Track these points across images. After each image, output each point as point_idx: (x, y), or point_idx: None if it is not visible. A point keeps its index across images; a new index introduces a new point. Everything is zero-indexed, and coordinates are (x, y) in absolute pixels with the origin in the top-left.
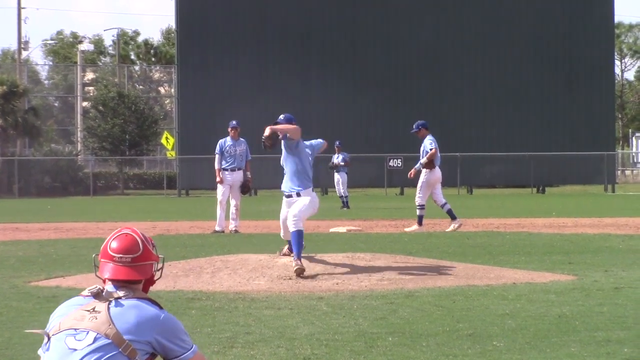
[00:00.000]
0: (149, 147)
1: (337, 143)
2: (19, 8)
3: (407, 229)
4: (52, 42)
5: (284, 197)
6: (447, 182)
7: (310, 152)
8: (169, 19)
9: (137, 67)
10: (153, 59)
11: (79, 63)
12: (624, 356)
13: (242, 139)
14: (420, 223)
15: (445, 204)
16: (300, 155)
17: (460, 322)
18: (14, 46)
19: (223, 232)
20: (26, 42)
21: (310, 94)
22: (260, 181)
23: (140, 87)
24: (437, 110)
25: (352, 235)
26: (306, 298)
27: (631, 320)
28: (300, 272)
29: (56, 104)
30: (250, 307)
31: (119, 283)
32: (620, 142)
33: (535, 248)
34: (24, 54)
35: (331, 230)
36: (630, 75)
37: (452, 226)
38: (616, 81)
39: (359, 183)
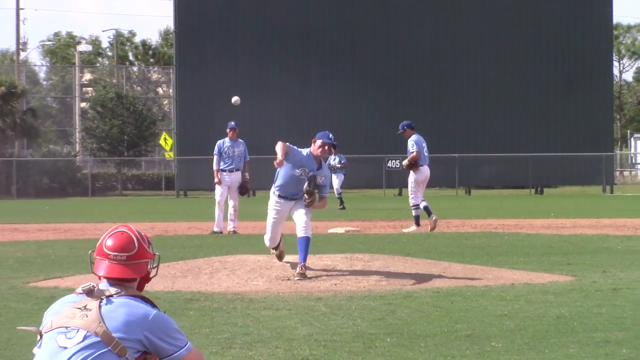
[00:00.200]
0: (148, 148)
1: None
2: (18, 9)
3: (405, 230)
4: (50, 42)
5: (276, 202)
6: (445, 183)
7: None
8: (167, 20)
9: (135, 68)
10: (151, 60)
11: (77, 64)
12: (622, 357)
13: (240, 140)
14: (417, 224)
15: (417, 209)
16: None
17: (459, 323)
18: (12, 47)
19: (221, 232)
20: (24, 43)
21: (309, 95)
22: (258, 182)
23: (138, 88)
24: (436, 111)
25: (350, 236)
26: (304, 299)
27: (629, 321)
28: (303, 278)
29: (54, 105)
30: (248, 308)
31: (113, 281)
32: (619, 143)
33: (534, 249)
34: (23, 54)
35: (329, 231)
36: (628, 76)
37: (412, 228)
38: (614, 82)
39: (357, 184)
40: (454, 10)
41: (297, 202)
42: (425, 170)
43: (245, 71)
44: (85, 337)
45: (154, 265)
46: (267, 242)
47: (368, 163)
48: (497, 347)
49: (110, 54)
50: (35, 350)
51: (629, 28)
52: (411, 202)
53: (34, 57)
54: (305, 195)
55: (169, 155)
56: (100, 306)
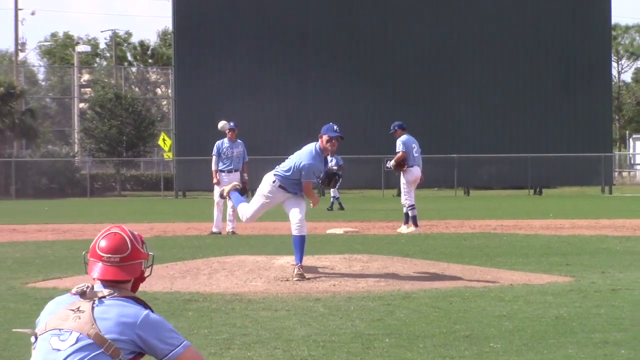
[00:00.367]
0: (146, 149)
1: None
2: (16, 9)
3: (404, 231)
4: (48, 43)
5: (272, 190)
6: (444, 184)
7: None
8: (165, 21)
9: (134, 69)
10: (150, 61)
11: (75, 64)
12: (621, 358)
13: (239, 141)
14: (415, 224)
15: (413, 209)
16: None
17: (457, 324)
18: (11, 48)
19: (220, 233)
20: (23, 44)
21: (308, 95)
22: (257, 183)
23: (137, 89)
24: (435, 112)
25: (349, 236)
26: (303, 299)
27: (628, 322)
28: (301, 279)
29: (53, 106)
30: (247, 309)
31: (107, 282)
32: (618, 143)
33: (533, 250)
34: (21, 55)
35: (328, 231)
36: (627, 76)
37: (403, 228)
38: (613, 83)
39: (356, 184)
40: (453, 11)
41: (292, 197)
42: (415, 171)
43: (244, 71)
44: (78, 340)
45: (149, 265)
46: (244, 217)
47: (367, 164)
48: (495, 348)
49: (107, 54)
50: (32, 351)
51: (628, 28)
52: (406, 203)
53: (33, 57)
54: (329, 183)
55: (168, 155)
56: (93, 308)
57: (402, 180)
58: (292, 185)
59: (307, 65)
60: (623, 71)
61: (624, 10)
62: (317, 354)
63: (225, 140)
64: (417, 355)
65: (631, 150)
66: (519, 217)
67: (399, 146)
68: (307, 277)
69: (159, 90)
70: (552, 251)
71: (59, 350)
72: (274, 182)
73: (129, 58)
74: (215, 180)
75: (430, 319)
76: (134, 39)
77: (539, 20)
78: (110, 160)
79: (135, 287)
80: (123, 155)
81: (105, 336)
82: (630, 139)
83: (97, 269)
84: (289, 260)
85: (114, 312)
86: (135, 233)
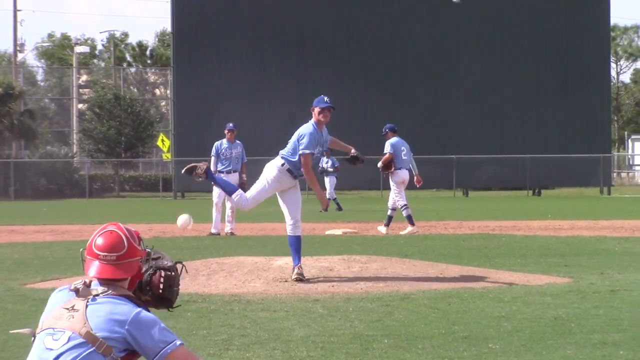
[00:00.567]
0: (145, 150)
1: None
2: (15, 10)
3: (402, 232)
4: (47, 44)
5: (281, 176)
6: (442, 184)
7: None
8: (163, 21)
9: (132, 70)
10: (148, 62)
11: (74, 65)
12: (619, 358)
13: (238, 142)
14: (412, 223)
15: (394, 210)
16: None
17: (456, 325)
18: (9, 49)
19: (219, 234)
20: (22, 45)
21: (307, 96)
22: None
23: (135, 89)
24: (434, 113)
25: (347, 237)
26: (302, 300)
27: (627, 323)
28: (301, 279)
29: (52, 106)
30: (245, 310)
31: (104, 280)
32: (616, 144)
33: (531, 250)
34: (20, 56)
35: (327, 232)
36: (625, 77)
37: (382, 229)
38: (612, 84)
39: (355, 185)
40: (452, 12)
41: (293, 189)
42: (402, 174)
43: (243, 72)
44: (69, 339)
45: (144, 260)
46: (247, 203)
47: (366, 164)
48: (494, 349)
49: (106, 55)
50: None
51: (626, 29)
52: (398, 204)
53: (31, 58)
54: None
55: (167, 156)
56: (86, 306)
57: (391, 182)
58: (297, 169)
59: (306, 66)
60: (622, 72)
61: (623, 11)
62: (316, 355)
63: (224, 141)
64: (416, 356)
65: (630, 151)
66: (518, 218)
67: (387, 148)
68: (306, 277)
69: (157, 91)
70: (550, 252)
71: (51, 349)
72: (282, 164)
73: (128, 59)
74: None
75: (429, 319)
76: (132, 40)
77: (538, 21)
78: (109, 161)
79: (132, 284)
80: (122, 156)
81: (97, 334)
82: (629, 140)
83: (93, 268)
84: (288, 261)
85: (105, 310)
86: (132, 230)
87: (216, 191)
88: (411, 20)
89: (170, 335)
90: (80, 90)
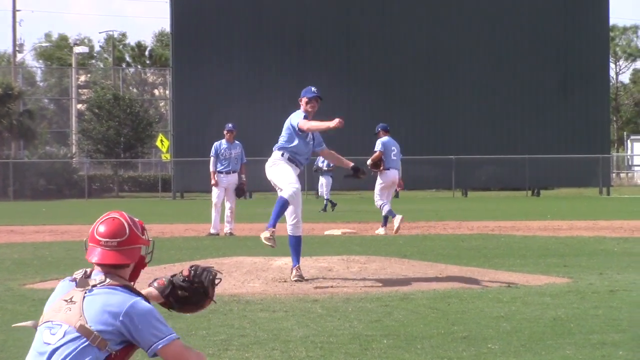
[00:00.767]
0: (144, 150)
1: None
2: (14, 10)
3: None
4: (47, 44)
5: (281, 155)
6: (442, 185)
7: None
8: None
9: (132, 70)
10: (147, 62)
11: (73, 65)
12: (619, 359)
13: (237, 142)
14: (384, 224)
15: (385, 205)
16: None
17: (455, 325)
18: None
19: (218, 234)
20: (21, 45)
21: None
22: (255, 184)
23: (134, 90)
24: (433, 113)
25: (347, 237)
26: (301, 300)
27: (626, 323)
28: (301, 280)
29: (51, 107)
30: (245, 310)
31: (106, 268)
32: (615, 144)
33: (530, 251)
34: (19, 56)
35: (326, 232)
36: (625, 78)
37: (381, 230)
38: (611, 84)
39: (354, 186)
40: (451, 12)
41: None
42: (391, 174)
43: (242, 73)
44: (65, 333)
45: (149, 251)
46: (291, 189)
47: (364, 165)
48: (493, 349)
49: (104, 56)
50: None
51: (625, 30)
52: (377, 203)
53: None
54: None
55: (166, 157)
56: (83, 297)
57: (378, 180)
58: (297, 155)
59: (305, 67)
60: (621, 72)
61: (622, 12)
62: (315, 355)
63: (223, 141)
64: (415, 356)
65: (629, 152)
66: (517, 218)
67: (378, 146)
68: (305, 278)
69: (156, 92)
70: (550, 252)
71: (48, 344)
72: (282, 154)
73: (127, 59)
74: (213, 182)
75: (428, 320)
76: (132, 40)
77: (537, 21)
78: (108, 161)
79: (136, 273)
80: (121, 157)
81: (92, 327)
82: (628, 140)
83: (95, 253)
84: (287, 261)
85: (100, 301)
86: (136, 219)
87: (215, 192)
88: (411, 20)
89: (164, 329)
90: (80, 90)
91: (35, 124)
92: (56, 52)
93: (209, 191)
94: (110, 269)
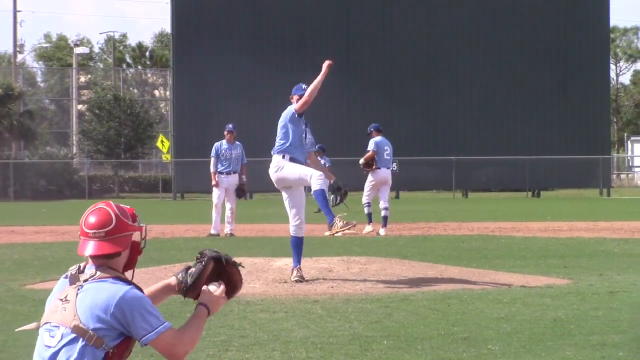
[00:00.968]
0: (145, 150)
1: (318, 147)
2: (15, 11)
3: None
4: (46, 45)
5: (282, 158)
6: (442, 186)
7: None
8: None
9: (132, 70)
10: (148, 63)
11: (74, 66)
12: None
13: (238, 143)
14: (370, 221)
15: (387, 209)
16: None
17: (455, 326)
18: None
19: (218, 235)
20: (21, 45)
21: None
22: (255, 184)
23: (135, 90)
24: (433, 114)
25: (347, 238)
26: (301, 301)
27: (626, 324)
28: (301, 281)
29: (51, 107)
30: (245, 311)
31: (98, 259)
32: (616, 146)
33: (531, 252)
34: (20, 57)
35: (326, 233)
36: (625, 79)
37: (382, 231)
38: (611, 85)
39: (354, 187)
40: (451, 13)
41: (299, 191)
42: (382, 173)
43: (242, 73)
44: (62, 336)
45: (142, 237)
46: (317, 177)
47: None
48: (493, 350)
49: (104, 57)
50: None
51: (625, 31)
52: (363, 200)
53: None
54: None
55: (166, 157)
56: (77, 295)
57: (369, 178)
58: (296, 152)
59: (305, 67)
60: (621, 73)
61: (622, 13)
62: (315, 356)
63: (224, 142)
64: (415, 357)
65: (629, 153)
66: (517, 219)
67: (371, 145)
68: (305, 279)
69: (157, 92)
70: (550, 253)
71: (49, 347)
72: (283, 157)
73: (128, 60)
74: (213, 182)
75: (429, 321)
76: (132, 41)
77: (537, 22)
78: (108, 162)
79: (132, 260)
80: (121, 157)
81: (86, 326)
82: (629, 142)
83: (85, 246)
84: (287, 262)
85: (89, 297)
86: (126, 207)
87: (216, 192)
88: (411, 20)
89: (154, 321)
90: (80, 91)
91: (36, 124)
92: (56, 53)
93: (210, 192)
94: (102, 260)
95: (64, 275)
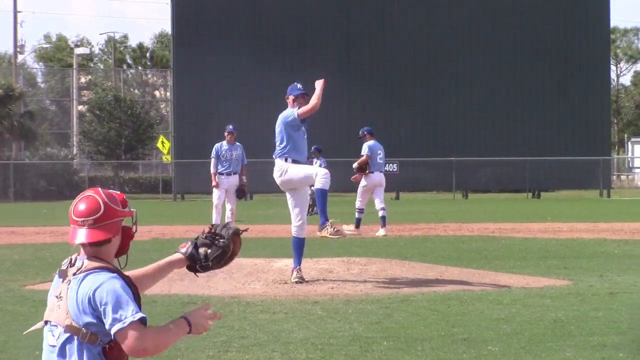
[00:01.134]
0: (145, 151)
1: (314, 148)
2: (15, 12)
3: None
4: (47, 45)
5: (284, 161)
6: (442, 187)
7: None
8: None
9: (132, 71)
10: (148, 63)
11: (74, 67)
12: None
13: (238, 144)
14: (357, 226)
15: (384, 209)
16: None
17: (455, 327)
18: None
19: None
20: (22, 46)
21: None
22: (256, 185)
23: (136, 91)
24: (433, 114)
25: (347, 239)
26: (301, 302)
27: (626, 325)
28: (301, 282)
29: (52, 108)
30: (245, 311)
31: (88, 248)
32: (616, 147)
33: (531, 253)
34: (20, 57)
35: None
36: (625, 80)
37: (381, 232)
38: (612, 86)
39: (354, 188)
40: (451, 13)
41: (303, 192)
42: (376, 177)
43: (243, 74)
44: (59, 335)
45: (133, 222)
46: (321, 176)
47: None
48: (493, 351)
49: (104, 57)
50: None
51: (626, 32)
52: (356, 203)
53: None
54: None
55: (166, 158)
56: (67, 290)
57: (362, 182)
58: (298, 154)
59: (305, 67)
60: (622, 74)
61: (622, 14)
62: (315, 357)
63: (224, 142)
64: (415, 358)
65: (630, 154)
66: (517, 220)
67: (364, 150)
68: (305, 280)
69: (157, 93)
70: (550, 254)
71: (54, 346)
72: (286, 160)
73: (128, 61)
74: (214, 183)
75: (429, 322)
76: (132, 42)
77: (537, 22)
78: (108, 162)
79: (123, 246)
80: (122, 158)
81: (77, 323)
82: (629, 143)
83: (75, 234)
84: (287, 263)
85: (73, 293)
86: (115, 193)
87: (216, 193)
88: (410, 20)
89: (121, 312)
90: (80, 91)
91: (36, 125)
92: (57, 54)
93: (210, 192)
94: (93, 249)
95: (57, 270)
